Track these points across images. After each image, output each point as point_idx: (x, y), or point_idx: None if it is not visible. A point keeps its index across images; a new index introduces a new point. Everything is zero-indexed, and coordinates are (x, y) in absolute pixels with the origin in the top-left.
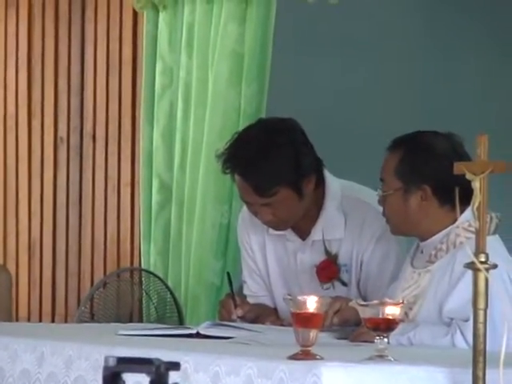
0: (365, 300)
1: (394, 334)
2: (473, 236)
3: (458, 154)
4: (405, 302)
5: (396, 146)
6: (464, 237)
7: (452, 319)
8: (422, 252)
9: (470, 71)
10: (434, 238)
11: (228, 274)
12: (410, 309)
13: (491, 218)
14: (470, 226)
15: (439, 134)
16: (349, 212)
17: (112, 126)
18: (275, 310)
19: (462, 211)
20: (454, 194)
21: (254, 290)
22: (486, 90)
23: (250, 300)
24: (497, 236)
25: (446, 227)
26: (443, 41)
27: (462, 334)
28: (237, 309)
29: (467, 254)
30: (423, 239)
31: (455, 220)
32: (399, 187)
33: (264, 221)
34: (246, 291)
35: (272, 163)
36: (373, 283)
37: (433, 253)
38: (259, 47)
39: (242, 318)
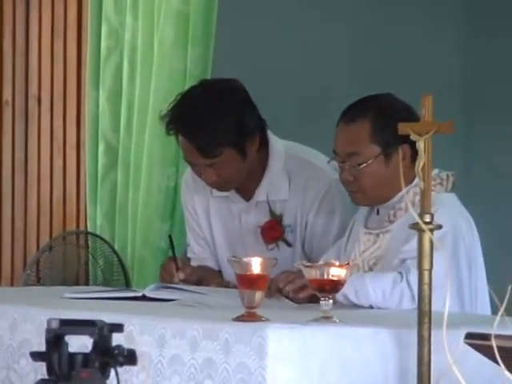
0: (309, 260)
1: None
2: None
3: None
4: (365, 264)
5: (358, 115)
6: None
7: (405, 260)
8: (377, 213)
9: (417, 32)
10: (393, 199)
11: (170, 236)
12: (371, 270)
13: (448, 176)
14: None
15: (391, 94)
16: (293, 172)
17: (57, 89)
18: (220, 272)
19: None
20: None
21: (197, 253)
22: (432, 52)
23: (194, 263)
24: (453, 194)
25: (405, 185)
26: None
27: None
28: (179, 272)
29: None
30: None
31: (413, 179)
32: (379, 153)
33: (208, 182)
34: (190, 254)
35: (215, 124)
36: (318, 243)
37: (391, 212)
38: (204, 7)
39: (185, 281)
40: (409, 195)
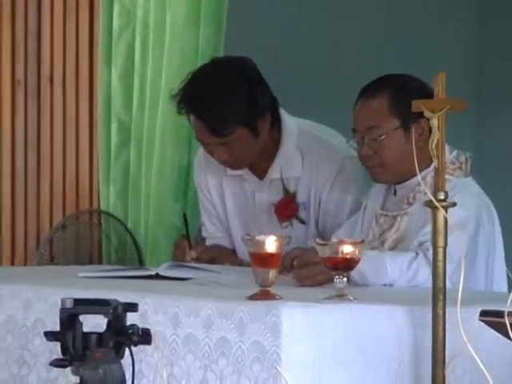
0: (323, 238)
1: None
2: (450, 178)
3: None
4: (385, 246)
5: (377, 90)
6: None
7: (424, 242)
8: (394, 194)
9: (429, 14)
10: (411, 180)
11: (184, 214)
12: None
13: (466, 159)
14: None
15: (407, 74)
16: (306, 150)
17: (69, 68)
18: (233, 251)
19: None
20: None
21: (212, 232)
22: (444, 33)
23: (209, 242)
24: (471, 178)
25: (423, 169)
26: None
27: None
28: (191, 250)
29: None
30: (400, 181)
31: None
32: (398, 125)
33: (220, 160)
34: (204, 233)
35: (227, 102)
36: (331, 221)
37: (411, 195)
38: None
39: (197, 260)
40: (427, 179)
